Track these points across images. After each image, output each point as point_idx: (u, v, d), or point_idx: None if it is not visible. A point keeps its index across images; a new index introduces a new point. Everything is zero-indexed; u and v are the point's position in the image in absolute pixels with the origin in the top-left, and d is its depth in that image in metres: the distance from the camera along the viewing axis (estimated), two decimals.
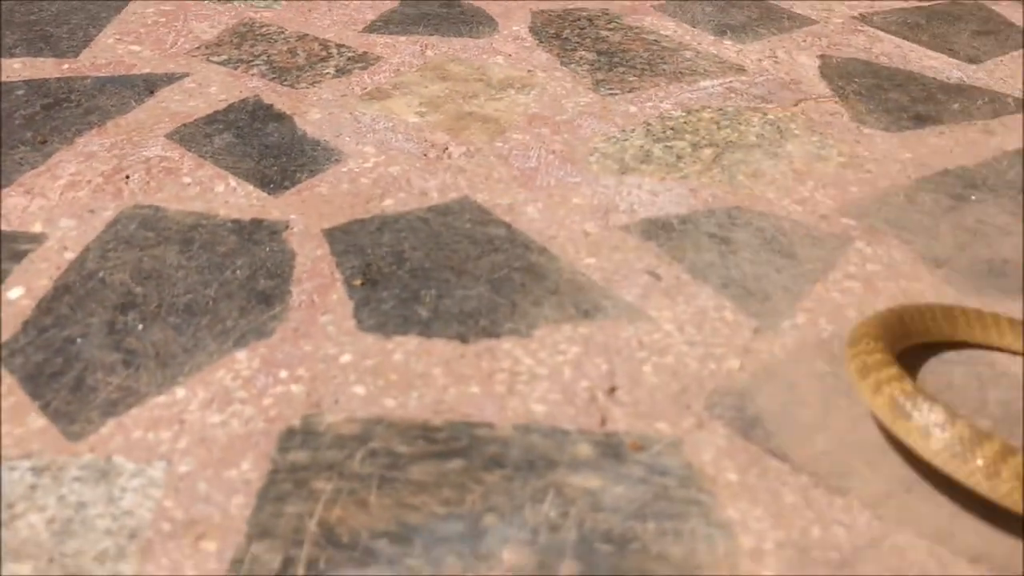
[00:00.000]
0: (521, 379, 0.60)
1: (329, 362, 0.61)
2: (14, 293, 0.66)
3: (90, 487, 0.52)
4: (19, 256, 0.70)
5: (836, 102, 0.95)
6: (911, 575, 0.49)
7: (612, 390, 0.60)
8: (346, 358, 0.61)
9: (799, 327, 0.66)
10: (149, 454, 0.54)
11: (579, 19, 1.11)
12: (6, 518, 0.50)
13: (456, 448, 0.55)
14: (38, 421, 0.56)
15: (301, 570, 0.48)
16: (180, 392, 0.58)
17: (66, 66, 0.96)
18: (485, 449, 0.55)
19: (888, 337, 0.60)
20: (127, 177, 0.79)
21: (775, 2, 1.18)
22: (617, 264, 0.71)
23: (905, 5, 1.18)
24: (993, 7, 1.18)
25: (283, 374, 0.60)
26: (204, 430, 0.56)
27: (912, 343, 0.64)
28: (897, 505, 0.53)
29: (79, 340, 0.62)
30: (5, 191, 0.77)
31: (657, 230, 0.75)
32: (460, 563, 0.49)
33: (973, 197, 0.81)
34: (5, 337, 0.62)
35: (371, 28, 1.07)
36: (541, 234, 0.74)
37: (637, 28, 1.09)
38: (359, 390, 0.59)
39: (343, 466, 0.54)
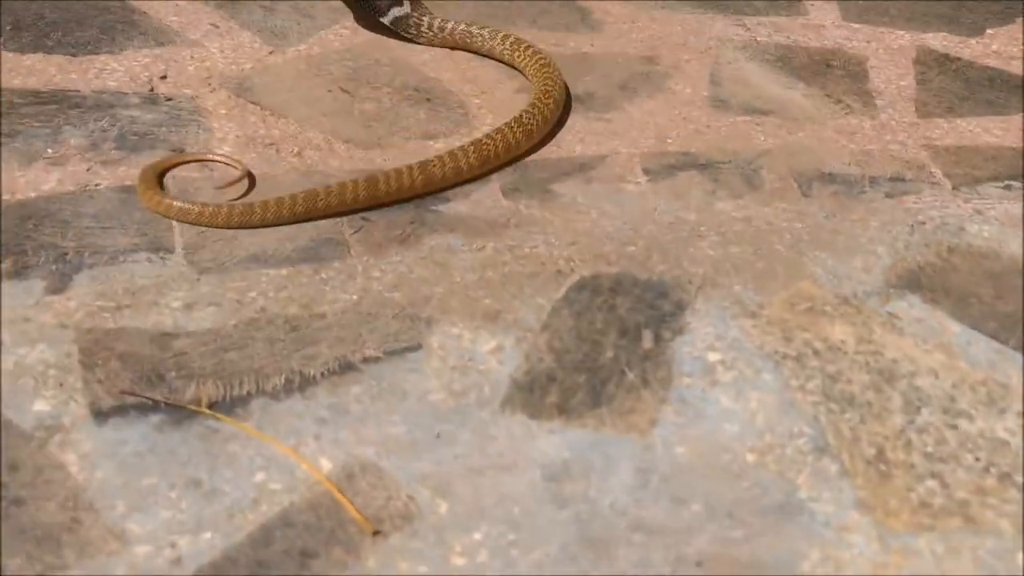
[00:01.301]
0: (105, 72, 0.98)
1: None
2: None
3: None
4: None
5: None
6: None
7: (164, 77, 0.99)
8: None
9: (300, 51, 1.06)
10: None
11: None
12: None
13: (53, 100, 0.93)
14: None
15: None
16: None
17: None
18: (71, 100, 0.93)
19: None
20: None
21: None
22: (191, 20, 1.09)
23: None
24: None
25: None
26: None
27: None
28: (315, 117, 0.94)
29: None
30: None
31: (225, 1, 1.14)
32: (44, 144, 0.86)
33: None
34: None
35: None
36: (144, 4, 1.11)
37: None
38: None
39: None
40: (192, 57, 1.03)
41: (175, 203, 0.80)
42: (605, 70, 1.09)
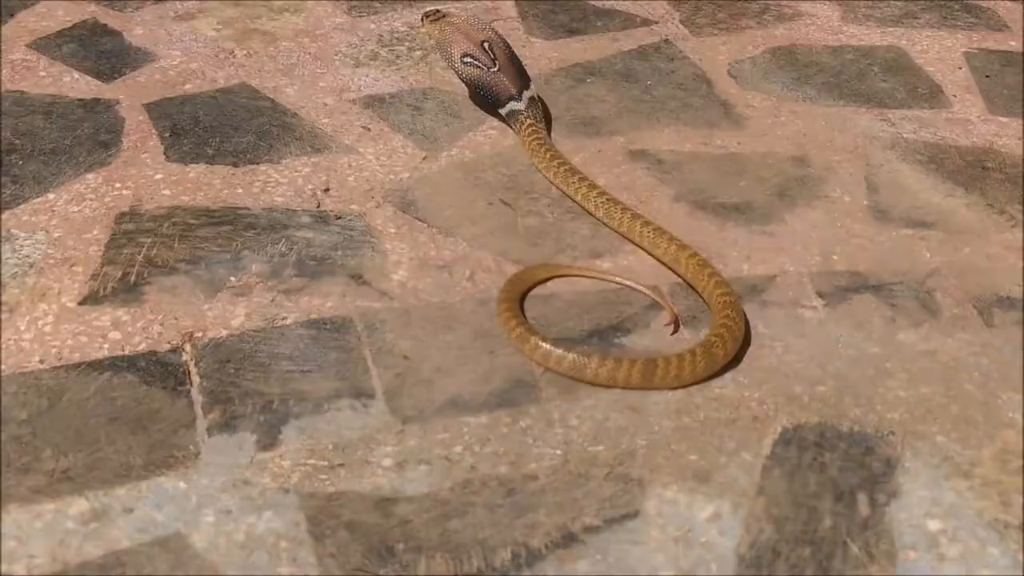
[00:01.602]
0: (270, 186, 0.99)
1: (147, 179, 0.98)
2: None
3: None
4: None
5: (518, 21, 1.35)
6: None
7: (327, 190, 0.99)
8: (158, 176, 0.98)
9: (453, 156, 1.06)
10: (34, 228, 0.90)
11: None
12: None
13: (226, 220, 0.93)
14: None
15: (132, 278, 0.85)
16: (51, 196, 0.94)
17: None
18: (244, 220, 0.93)
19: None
20: None
21: None
22: (343, 123, 1.10)
23: None
24: None
25: (117, 186, 0.96)
26: (67, 215, 0.92)
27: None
28: (482, 236, 0.94)
29: None
30: None
31: (374, 102, 1.14)
32: (226, 271, 0.87)
33: (589, 80, 1.22)
34: None
35: None
36: (294, 105, 1.12)
37: None
38: (166, 192, 0.96)
39: (156, 231, 0.91)
40: (350, 166, 1.03)
41: (567, 356, 0.79)
42: (758, 173, 1.07)
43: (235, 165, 1.01)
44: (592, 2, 1.42)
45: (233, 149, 1.03)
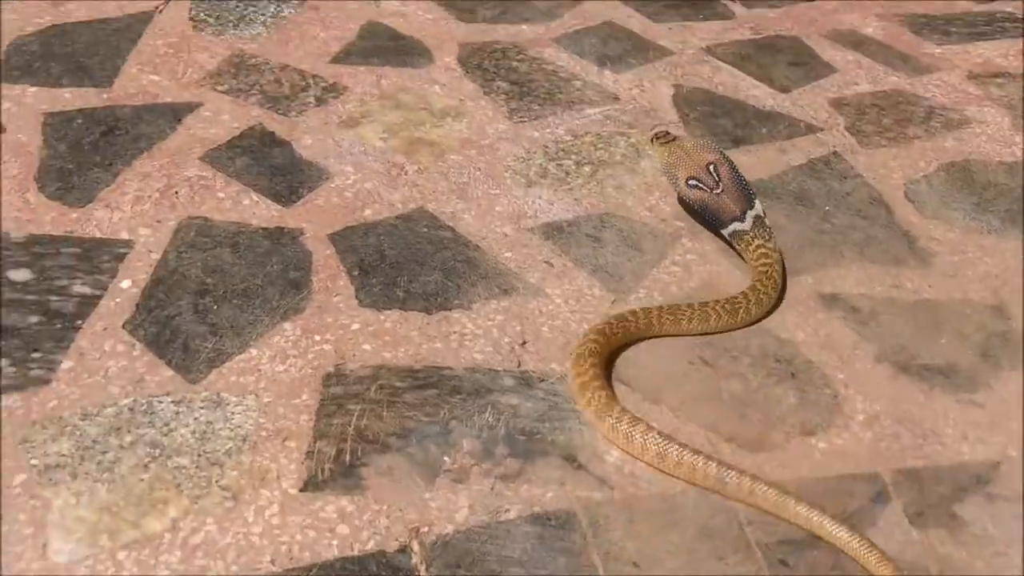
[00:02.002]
0: (467, 338, 0.97)
1: (345, 328, 0.96)
2: (124, 284, 0.98)
3: (211, 412, 0.86)
4: (120, 257, 1.01)
5: (681, 127, 1.32)
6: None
7: (524, 343, 0.97)
8: (355, 326, 0.96)
9: (641, 299, 1.04)
10: (243, 391, 0.89)
11: (495, 51, 1.44)
12: (164, 431, 0.84)
13: (431, 383, 0.91)
14: (167, 372, 0.90)
15: (347, 457, 0.84)
16: (253, 351, 0.93)
17: (105, 95, 1.25)
18: (448, 383, 0.91)
19: (601, 351, 0.94)
20: (176, 192, 1.11)
21: (642, 35, 1.53)
22: (525, 256, 1.07)
23: (740, 38, 1.55)
24: (806, 41, 1.56)
25: (316, 338, 0.95)
26: (274, 375, 0.91)
27: (623, 345, 0.98)
28: (688, 404, 0.92)
29: (177, 317, 0.95)
30: (91, 206, 1.08)
31: (553, 231, 1.12)
32: (439, 449, 0.85)
33: (765, 204, 1.19)
34: (127, 316, 0.95)
35: (336, 59, 1.38)
36: (475, 235, 1.10)
37: (539, 59, 1.43)
38: (367, 347, 0.94)
39: (364, 395, 0.89)
40: (541, 312, 1.01)
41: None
42: (957, 327, 1.04)
43: (428, 312, 0.99)
44: (752, 104, 1.39)
45: (423, 291, 1.01)
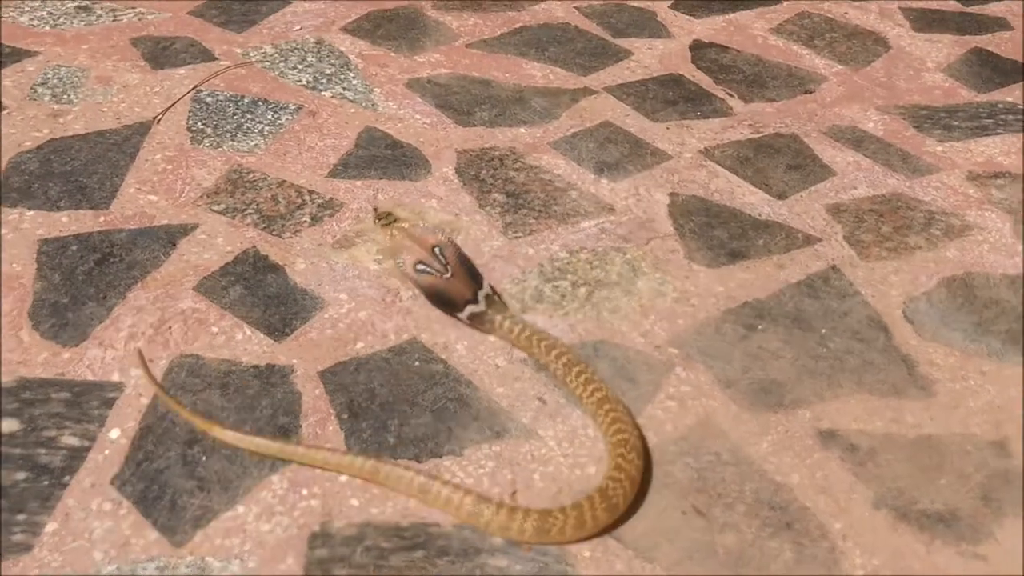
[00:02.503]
0: None
1: (332, 480, 0.95)
2: (113, 434, 0.98)
3: None
4: (109, 403, 1.01)
5: (676, 240, 1.31)
6: None
7: (514, 493, 0.96)
8: (342, 478, 0.96)
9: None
10: (228, 555, 0.88)
11: (492, 159, 1.44)
12: None
13: (418, 543, 0.90)
14: (152, 534, 0.89)
15: None
16: (240, 508, 0.92)
17: (102, 218, 1.26)
18: (436, 542, 0.90)
19: None
20: (170, 328, 1.11)
21: (640, 136, 1.52)
22: (517, 392, 1.07)
23: (739, 137, 1.54)
24: (805, 140, 1.55)
25: (304, 492, 0.94)
26: (260, 536, 0.90)
27: None
28: (682, 561, 0.90)
29: (166, 471, 0.95)
30: (85, 344, 1.08)
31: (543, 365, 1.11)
32: None
33: (760, 327, 1.18)
34: (115, 470, 0.94)
35: (334, 172, 1.38)
36: (467, 368, 1.09)
37: (536, 168, 1.43)
38: (354, 502, 0.93)
39: (350, 559, 0.88)
40: (533, 457, 0.99)
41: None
42: (958, 466, 1.02)
43: (418, 459, 0.98)
44: (749, 213, 1.38)
45: (413, 435, 1.01)
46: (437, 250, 1.13)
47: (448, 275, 1.11)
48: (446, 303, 1.12)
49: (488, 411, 1.04)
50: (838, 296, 1.24)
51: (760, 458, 1.02)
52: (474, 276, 1.13)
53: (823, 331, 1.18)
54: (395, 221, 1.17)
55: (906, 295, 1.25)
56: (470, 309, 1.10)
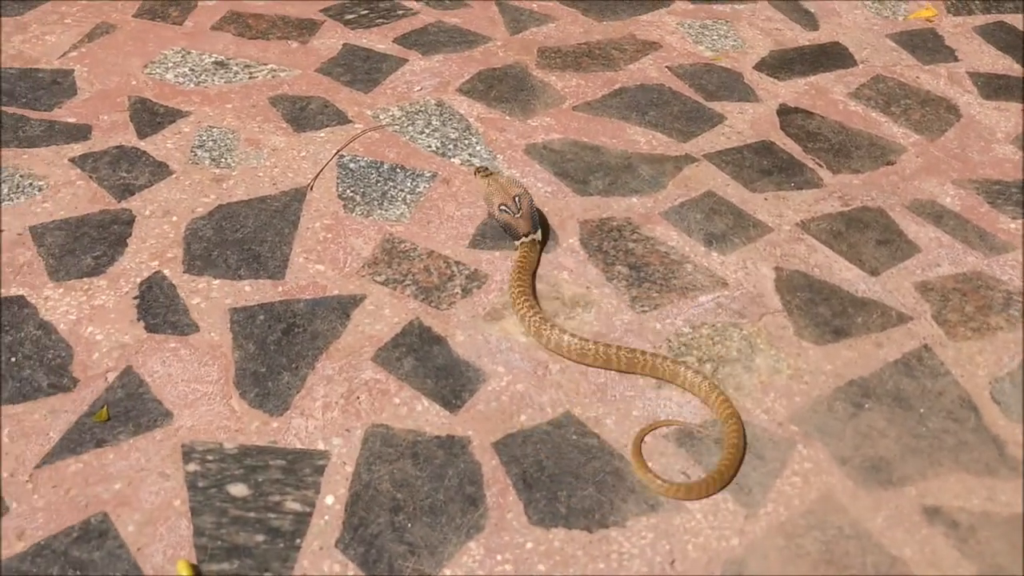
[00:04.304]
0: (624, 558, 1.12)
1: (520, 548, 1.12)
2: (329, 500, 1.15)
3: None
4: (320, 470, 1.17)
5: (785, 316, 1.47)
6: None
7: (672, 562, 1.12)
8: (528, 545, 1.12)
9: (769, 513, 1.19)
10: None
11: (612, 229, 1.60)
12: None
13: None
14: None
15: None
16: (447, 572, 1.09)
17: (280, 288, 1.41)
18: None
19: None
20: (358, 398, 1.27)
21: (742, 208, 1.68)
22: (663, 467, 1.23)
23: (831, 211, 1.70)
24: (890, 214, 1.70)
25: (498, 557, 1.11)
26: None
27: None
28: None
29: (379, 536, 1.11)
30: (288, 413, 1.24)
31: (684, 438, 1.27)
32: None
33: (866, 405, 1.34)
34: (337, 534, 1.11)
35: (474, 242, 1.54)
36: (618, 443, 1.25)
37: (652, 239, 1.59)
38: (541, 567, 1.10)
39: None
40: (685, 529, 1.16)
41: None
42: None
43: (589, 530, 1.15)
44: (847, 289, 1.53)
45: (582, 507, 1.17)
46: (516, 198, 1.53)
47: (519, 215, 1.52)
48: (512, 233, 1.53)
49: (641, 484, 1.21)
50: (932, 375, 1.40)
51: (877, 532, 1.18)
52: (534, 222, 1.53)
53: (921, 410, 1.34)
54: (490, 174, 1.58)
55: (991, 376, 1.41)
56: (522, 240, 1.51)
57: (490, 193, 1.54)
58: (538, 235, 1.53)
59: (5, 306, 1.35)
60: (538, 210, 1.61)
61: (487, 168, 1.61)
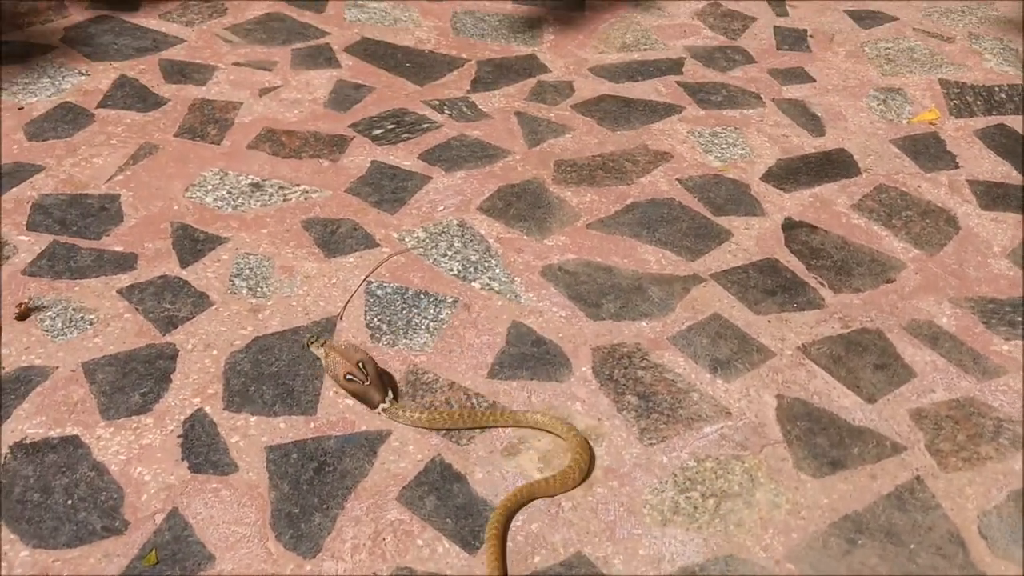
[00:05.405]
0: None
1: None
2: None
3: None
4: None
5: (785, 447, 1.56)
6: None
7: None
8: None
9: None
10: None
11: (622, 356, 1.70)
12: None
13: None
14: None
15: None
16: None
17: (312, 424, 1.52)
18: None
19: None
20: (384, 540, 1.37)
21: (746, 331, 1.77)
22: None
23: (831, 333, 1.79)
24: (888, 336, 1.79)
25: None
26: None
27: None
28: None
29: None
30: (320, 556, 1.34)
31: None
32: None
33: (859, 541, 1.43)
34: None
35: (492, 372, 1.64)
36: None
37: (660, 366, 1.68)
38: None
39: None
40: None
41: None
42: None
43: None
44: (844, 418, 1.62)
45: None
46: (360, 364, 1.54)
47: (368, 383, 1.53)
48: (366, 403, 1.55)
49: None
50: (922, 509, 1.48)
51: None
52: (384, 386, 1.55)
53: (912, 546, 1.43)
54: (325, 343, 1.60)
55: (980, 509, 1.49)
56: (381, 407, 1.53)
57: (332, 363, 1.54)
58: (387, 402, 1.53)
59: (62, 447, 1.47)
60: (385, 371, 1.61)
61: (320, 337, 1.63)
